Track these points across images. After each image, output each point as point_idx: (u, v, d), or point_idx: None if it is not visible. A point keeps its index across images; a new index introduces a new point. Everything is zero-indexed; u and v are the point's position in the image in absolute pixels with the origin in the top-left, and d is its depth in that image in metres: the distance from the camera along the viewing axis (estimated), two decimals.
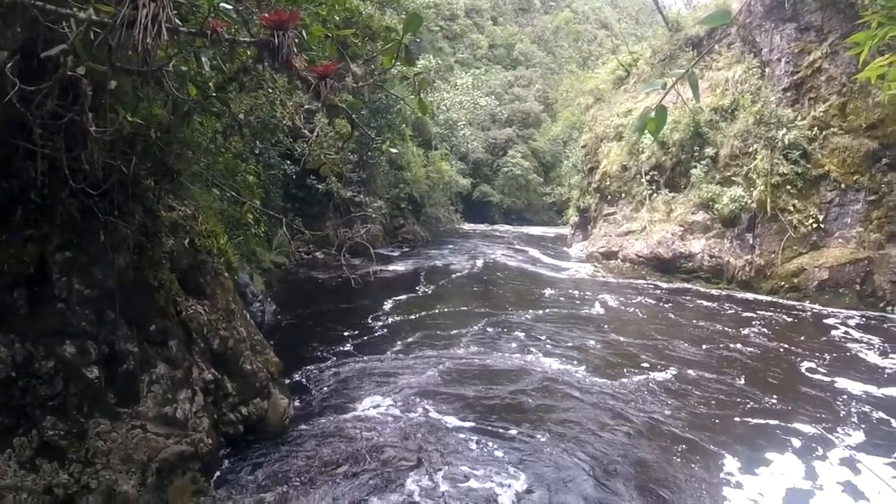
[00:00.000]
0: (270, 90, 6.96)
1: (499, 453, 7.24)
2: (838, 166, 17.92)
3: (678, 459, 7.29)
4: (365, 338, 11.67)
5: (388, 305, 14.55)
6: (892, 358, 12.01)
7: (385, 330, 12.47)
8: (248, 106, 6.66)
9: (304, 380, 9.01)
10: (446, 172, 30.18)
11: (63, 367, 4.39)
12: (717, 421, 8.57)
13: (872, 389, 10.10)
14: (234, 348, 6.69)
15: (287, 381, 8.21)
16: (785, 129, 18.68)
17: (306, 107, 9.02)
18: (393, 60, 3.77)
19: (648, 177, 22.93)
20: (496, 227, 40.13)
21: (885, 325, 14.96)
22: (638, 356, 11.85)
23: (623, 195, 24.35)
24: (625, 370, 10.81)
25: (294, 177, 11.03)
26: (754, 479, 6.83)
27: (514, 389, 9.52)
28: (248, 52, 5.55)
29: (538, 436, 7.82)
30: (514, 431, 7.88)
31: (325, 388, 8.81)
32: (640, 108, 21.70)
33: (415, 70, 6.80)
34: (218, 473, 5.72)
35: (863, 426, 8.54)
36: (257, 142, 7.58)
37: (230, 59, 5.81)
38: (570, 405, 9.12)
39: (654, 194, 22.63)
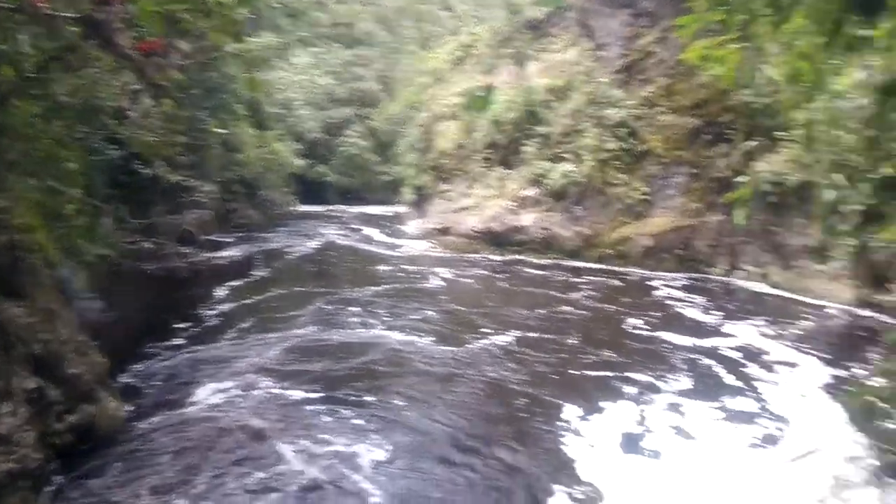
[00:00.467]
0: (95, 70, 6.45)
1: (356, 421, 7.50)
2: (663, 143, 19.78)
3: (523, 414, 8.03)
4: (199, 328, 11.37)
5: (222, 293, 14.14)
6: (712, 313, 13.83)
7: (220, 318, 12.18)
8: (71, 87, 6.13)
9: (136, 378, 8.60)
10: (281, 154, 29.27)
11: None
12: (555, 377, 9.50)
13: (695, 341, 11.53)
14: (56, 352, 6.22)
15: (118, 382, 7.77)
16: (615, 109, 20.23)
17: (133, 87, 8.44)
18: (224, 37, 3.69)
19: (483, 154, 23.89)
20: (333, 207, 39.87)
21: (705, 286, 17.03)
22: (477, 323, 12.63)
23: (459, 173, 25.13)
24: (466, 336, 11.49)
25: (120, 162, 10.23)
26: (592, 426, 7.64)
27: (361, 362, 9.82)
28: (73, 29, 5.14)
29: (392, 402, 8.18)
30: (368, 399, 8.20)
31: (160, 384, 8.49)
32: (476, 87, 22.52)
33: (247, 47, 6.62)
34: (50, 489, 5.31)
35: (688, 373, 9.75)
36: (80, 126, 6.98)
37: (52, 37, 5.34)
38: (418, 372, 9.61)
39: (489, 171, 23.59)
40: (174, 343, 10.32)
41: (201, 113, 14.48)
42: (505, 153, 23.40)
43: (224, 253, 18.38)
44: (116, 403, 6.94)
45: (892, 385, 3.49)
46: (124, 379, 8.36)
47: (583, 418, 7.85)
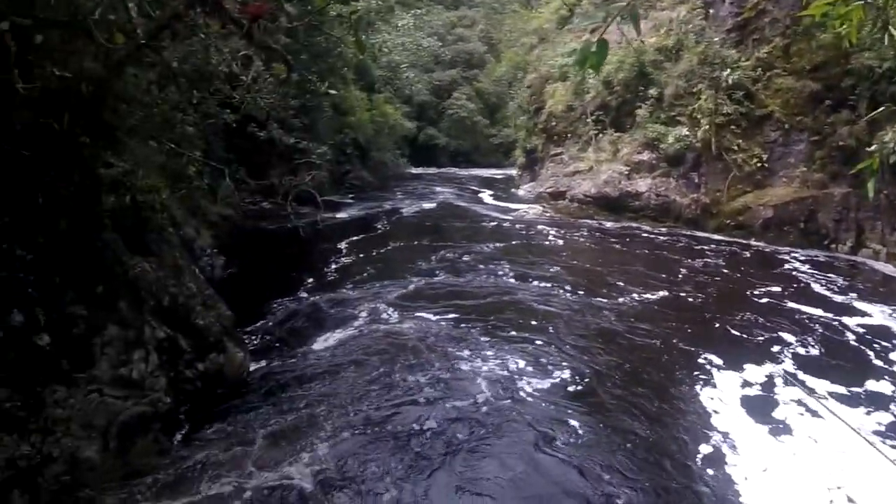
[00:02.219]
0: (203, 36, 6.65)
1: (488, 352, 8.17)
2: (782, 107, 18.27)
3: (666, 360, 8.46)
4: (320, 281, 11.71)
5: (340, 248, 14.55)
6: (841, 293, 12.63)
7: (340, 271, 12.56)
8: (182, 54, 6.37)
9: (261, 328, 8.98)
10: (391, 116, 29.58)
11: (12, 336, 4.25)
12: (690, 331, 9.66)
13: (825, 318, 10.82)
14: (184, 304, 6.59)
15: (243, 333, 8.17)
16: (729, 70, 18.87)
17: (243, 52, 8.65)
18: None
19: (594, 117, 22.99)
20: (444, 170, 39.98)
21: (832, 263, 15.69)
22: (604, 281, 12.54)
23: (569, 135, 24.38)
24: (587, 289, 11.60)
25: (234, 126, 10.67)
26: (725, 384, 7.78)
27: (488, 303, 10.30)
28: None
29: (536, 339, 8.75)
30: (493, 333, 8.64)
31: (284, 334, 8.82)
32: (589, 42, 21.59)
33: (351, 9, 6.61)
34: (180, 431, 5.69)
35: (817, 349, 9.24)
36: (194, 91, 7.27)
37: (160, 6, 5.53)
38: (555, 316, 9.87)
39: (600, 134, 22.71)
40: (297, 295, 10.67)
41: (311, 76, 14.79)
42: (616, 115, 22.42)
43: (340, 213, 18.96)
44: (243, 353, 7.31)
45: None
46: (250, 329, 8.75)
47: (719, 371, 8.04)
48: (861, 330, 10.46)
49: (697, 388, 7.66)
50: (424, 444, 5.84)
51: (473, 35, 48.67)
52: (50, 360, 4.46)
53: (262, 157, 14.91)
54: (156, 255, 6.42)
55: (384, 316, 9.58)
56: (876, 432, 6.76)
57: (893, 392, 7.87)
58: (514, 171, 33.02)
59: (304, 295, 10.77)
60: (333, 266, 12.90)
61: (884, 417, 7.15)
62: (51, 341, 4.48)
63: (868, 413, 7.31)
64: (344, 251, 14.28)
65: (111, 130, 5.20)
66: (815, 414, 7.01)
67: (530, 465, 5.66)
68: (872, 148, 14.67)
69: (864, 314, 11.26)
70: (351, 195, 22.98)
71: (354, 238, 15.72)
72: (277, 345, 8.41)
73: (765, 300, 11.85)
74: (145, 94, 5.84)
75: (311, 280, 11.64)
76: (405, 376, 7.35)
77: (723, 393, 7.52)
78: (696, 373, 8.13)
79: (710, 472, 5.72)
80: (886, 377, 8.40)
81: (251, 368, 7.43)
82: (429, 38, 43.90)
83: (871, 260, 15.91)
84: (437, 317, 9.59)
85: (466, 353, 8.29)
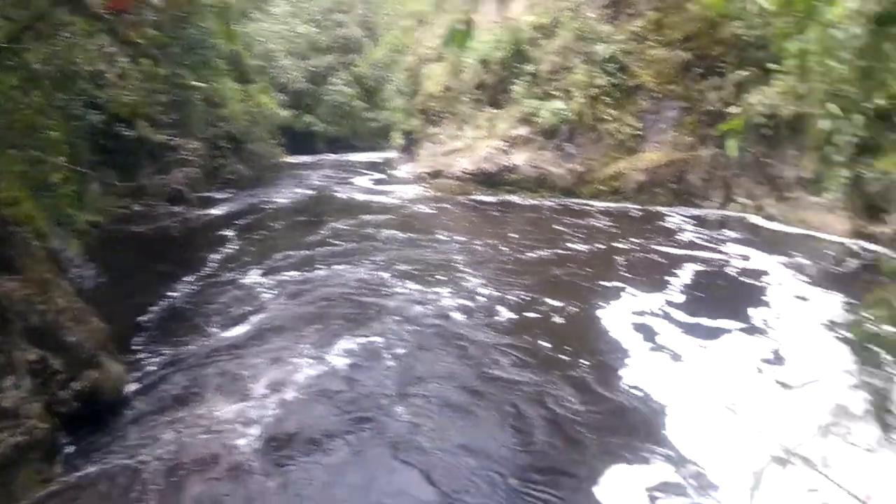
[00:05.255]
0: (68, 35, 6.26)
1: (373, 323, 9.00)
2: (654, 77, 19.58)
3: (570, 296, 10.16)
4: (194, 281, 11.36)
5: (215, 246, 14.07)
6: (711, 244, 14.52)
7: (214, 269, 12.24)
8: (45, 55, 5.95)
9: (136, 338, 8.56)
10: (266, 106, 28.73)
11: None
12: (578, 276, 11.50)
13: (699, 256, 12.98)
14: (55, 321, 6.20)
15: (119, 345, 7.77)
16: (604, 44, 19.90)
17: (108, 49, 8.22)
18: None
19: (472, 96, 23.63)
20: (322, 157, 39.56)
21: (703, 217, 17.46)
22: (489, 244, 13.91)
23: (447, 115, 24.92)
24: (483, 252, 13.19)
25: (102, 126, 10.03)
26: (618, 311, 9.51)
27: (369, 281, 11.15)
28: None
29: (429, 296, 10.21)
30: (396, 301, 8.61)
31: (160, 339, 8.52)
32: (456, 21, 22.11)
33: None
34: (62, 456, 5.39)
35: (696, 293, 10.70)
36: (58, 93, 6.81)
37: (22, 5, 5.18)
38: (441, 280, 11.17)
39: (478, 112, 23.39)
40: (173, 296, 10.33)
41: (181, 70, 14.14)
42: (493, 93, 23.14)
43: (215, 210, 18.30)
44: (119, 366, 6.96)
45: (889, 314, 3.52)
46: (127, 339, 8.30)
47: (608, 309, 9.66)
48: (739, 271, 11.98)
49: (593, 313, 9.38)
50: (317, 440, 5.95)
51: (351, 20, 47.99)
52: None
53: (131, 158, 14.03)
54: (21, 271, 5.99)
55: (263, 307, 9.65)
56: (764, 359, 7.90)
57: (768, 321, 9.28)
58: (393, 154, 33.39)
59: (179, 295, 10.47)
60: (209, 263, 12.53)
61: (765, 343, 8.46)
62: None
63: (750, 338, 8.67)
64: (219, 247, 13.87)
65: None
66: (704, 345, 8.34)
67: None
68: (736, 109, 16.16)
69: (743, 257, 12.93)
70: (227, 189, 22.14)
71: (230, 233, 15.35)
72: (156, 350, 8.08)
73: (644, 251, 13.43)
74: (6, 100, 5.41)
75: (186, 279, 11.29)
76: (284, 366, 7.46)
77: (615, 323, 9.05)
78: (589, 308, 9.69)
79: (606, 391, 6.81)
80: (763, 308, 9.86)
81: (130, 380, 7.12)
82: (305, 25, 42.97)
83: (739, 213, 17.66)
84: (316, 301, 9.94)
85: (346, 325, 8.81)
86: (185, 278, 11.30)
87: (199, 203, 17.79)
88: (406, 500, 5.16)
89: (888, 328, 3.51)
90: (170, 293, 10.47)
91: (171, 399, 6.77)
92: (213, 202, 19.45)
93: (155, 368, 7.57)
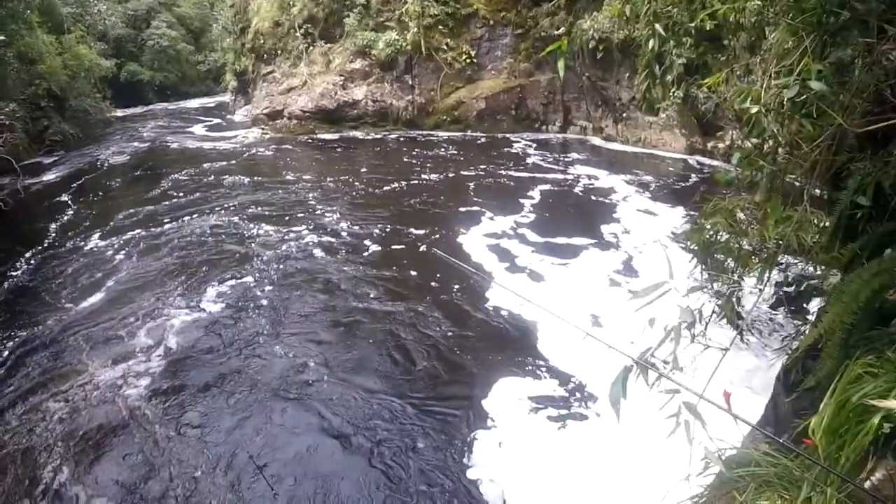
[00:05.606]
0: None
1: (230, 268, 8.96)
2: (486, 5, 19.79)
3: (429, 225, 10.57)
4: (36, 257, 10.37)
5: (50, 214, 13.03)
6: (555, 165, 15.31)
7: (53, 240, 11.34)
8: None
9: None
10: (86, 57, 25.88)
11: None
12: (432, 203, 12.13)
13: (548, 177, 13.65)
14: None
15: None
16: None
17: None
18: None
19: (303, 30, 22.79)
20: (153, 107, 36.85)
21: (545, 141, 18.00)
22: (338, 181, 14.05)
23: (280, 52, 23.96)
24: (332, 190, 13.30)
25: None
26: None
27: (220, 227, 11.14)
28: None
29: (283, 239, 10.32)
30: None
31: (9, 325, 7.71)
32: None
33: None
34: None
35: (545, 213, 11.34)
36: None
37: None
38: (296, 219, 11.21)
39: (311, 47, 22.70)
40: (12, 279, 9.38)
41: None
42: (325, 27, 22.45)
43: (45, 175, 16.81)
44: None
45: (726, 222, 3.89)
46: None
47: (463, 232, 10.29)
48: (586, 190, 12.83)
49: (454, 240, 9.90)
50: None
51: None
52: None
53: None
54: None
55: (116, 269, 9.38)
56: (617, 271, 8.70)
57: (618, 236, 10.13)
58: (227, 98, 32.03)
59: (20, 273, 9.63)
60: (48, 234, 11.58)
61: (617, 256, 9.23)
62: None
63: (603, 253, 9.41)
64: (56, 216, 12.86)
65: None
66: (562, 262, 8.99)
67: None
68: (560, 31, 16.78)
69: (589, 177, 13.81)
70: (55, 153, 20.12)
71: (65, 198, 14.34)
72: (7, 335, 7.39)
73: (494, 177, 14.04)
74: None
75: (26, 255, 10.36)
76: (158, 319, 7.42)
77: (476, 247, 9.62)
78: (449, 234, 10.22)
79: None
80: (612, 224, 10.73)
81: None
82: None
83: (580, 136, 18.64)
84: (172, 253, 9.84)
85: (211, 272, 8.91)
86: (24, 255, 10.37)
87: (26, 171, 16.13)
88: (311, 434, 5.23)
89: (725, 235, 3.90)
90: (10, 272, 9.60)
91: (45, 377, 6.35)
92: (42, 168, 17.82)
93: (9, 353, 6.96)
